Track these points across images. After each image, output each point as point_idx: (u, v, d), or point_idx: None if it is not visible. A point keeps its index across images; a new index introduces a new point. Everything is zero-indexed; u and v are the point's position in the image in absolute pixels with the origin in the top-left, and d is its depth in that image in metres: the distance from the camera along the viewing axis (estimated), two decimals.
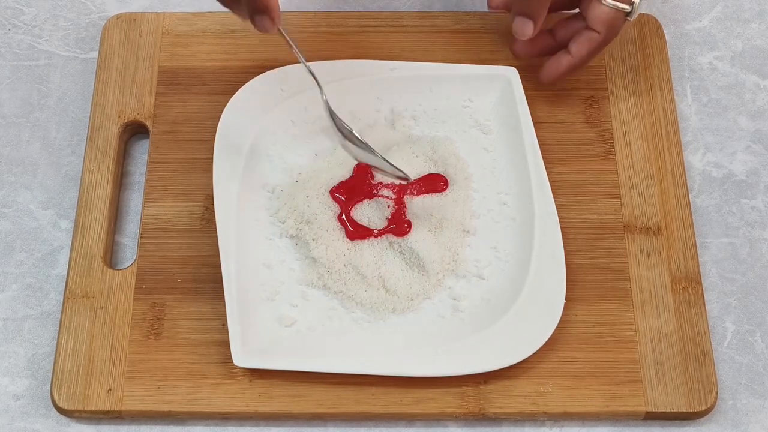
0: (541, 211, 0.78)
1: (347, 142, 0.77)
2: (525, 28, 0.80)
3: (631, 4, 0.80)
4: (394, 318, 0.76)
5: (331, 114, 0.77)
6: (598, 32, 0.80)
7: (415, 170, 0.81)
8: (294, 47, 0.75)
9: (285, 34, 0.74)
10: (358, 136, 0.77)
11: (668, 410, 0.74)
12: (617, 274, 0.78)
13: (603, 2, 0.80)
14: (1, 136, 0.86)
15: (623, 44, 0.87)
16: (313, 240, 0.78)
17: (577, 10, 0.83)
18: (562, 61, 0.82)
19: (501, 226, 0.80)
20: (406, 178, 0.77)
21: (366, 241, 0.78)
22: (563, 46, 0.83)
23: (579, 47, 0.81)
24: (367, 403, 0.74)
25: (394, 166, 0.77)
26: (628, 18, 0.81)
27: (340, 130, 0.77)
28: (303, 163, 0.82)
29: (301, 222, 0.79)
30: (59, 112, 0.87)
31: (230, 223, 0.77)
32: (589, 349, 0.76)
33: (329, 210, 0.79)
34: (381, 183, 0.80)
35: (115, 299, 0.77)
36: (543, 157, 0.80)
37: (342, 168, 0.81)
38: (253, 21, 0.67)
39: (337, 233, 0.78)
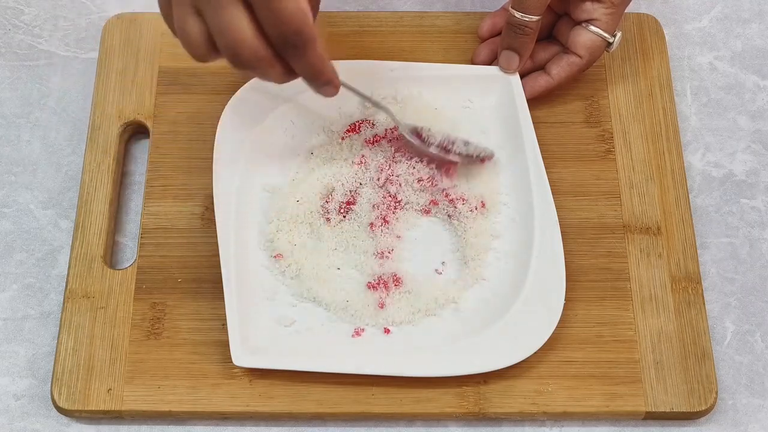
0: (540, 211, 0.78)
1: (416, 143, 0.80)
2: (511, 62, 0.82)
3: (614, 35, 0.81)
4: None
5: (409, 132, 0.80)
6: (581, 57, 0.82)
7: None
8: (361, 94, 0.78)
9: (349, 88, 0.76)
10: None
11: (668, 410, 0.74)
12: (617, 274, 0.78)
13: (588, 29, 0.81)
14: (1, 136, 0.86)
15: (623, 44, 0.87)
16: (291, 253, 0.77)
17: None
18: (539, 81, 0.83)
19: (501, 227, 0.80)
20: (486, 155, 0.80)
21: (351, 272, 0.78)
22: (540, 67, 0.84)
23: (560, 70, 0.83)
24: (367, 403, 0.74)
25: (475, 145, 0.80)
26: (608, 49, 0.82)
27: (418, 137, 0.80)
28: (301, 162, 0.82)
29: (282, 231, 0.78)
30: (59, 112, 0.87)
31: (230, 223, 0.77)
32: (589, 349, 0.76)
33: (317, 217, 0.79)
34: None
35: (115, 299, 0.77)
36: (543, 157, 0.80)
37: (337, 165, 0.81)
38: (318, 92, 0.70)
39: (319, 243, 0.78)
